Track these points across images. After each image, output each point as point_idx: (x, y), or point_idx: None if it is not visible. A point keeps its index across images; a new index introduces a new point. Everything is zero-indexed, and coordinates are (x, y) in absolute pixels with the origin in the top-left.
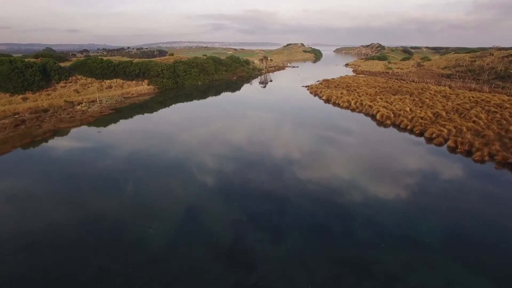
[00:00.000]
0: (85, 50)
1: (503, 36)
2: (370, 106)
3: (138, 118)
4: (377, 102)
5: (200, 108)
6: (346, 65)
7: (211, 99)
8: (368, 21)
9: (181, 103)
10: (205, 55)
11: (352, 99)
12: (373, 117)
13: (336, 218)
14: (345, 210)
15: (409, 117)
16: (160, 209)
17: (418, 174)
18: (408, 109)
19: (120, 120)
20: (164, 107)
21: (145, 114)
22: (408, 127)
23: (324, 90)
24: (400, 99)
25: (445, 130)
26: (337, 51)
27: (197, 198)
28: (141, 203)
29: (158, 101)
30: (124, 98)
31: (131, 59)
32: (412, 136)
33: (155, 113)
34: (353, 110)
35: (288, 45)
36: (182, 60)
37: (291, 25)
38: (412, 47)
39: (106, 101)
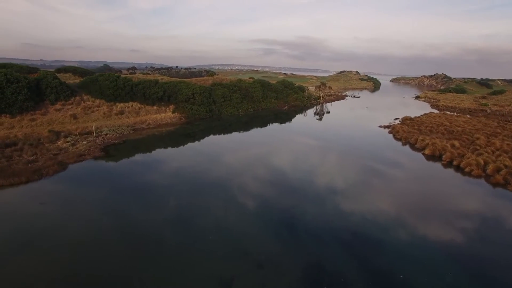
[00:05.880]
0: (133, 67)
1: None
2: None
3: (135, 170)
4: None
5: (235, 159)
6: (417, 97)
7: (254, 139)
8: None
9: (210, 144)
10: (252, 78)
11: (489, 163)
12: None
13: None
14: None
15: None
16: None
17: None
18: None
19: (103, 175)
20: (186, 149)
21: (151, 160)
22: None
23: (420, 137)
24: None
25: None
26: (394, 80)
27: None
28: None
29: (181, 135)
30: (134, 130)
31: (159, 77)
32: None
33: (169, 157)
34: (496, 183)
35: (341, 72)
36: (223, 82)
37: (341, 53)
38: (483, 79)
39: (107, 133)
